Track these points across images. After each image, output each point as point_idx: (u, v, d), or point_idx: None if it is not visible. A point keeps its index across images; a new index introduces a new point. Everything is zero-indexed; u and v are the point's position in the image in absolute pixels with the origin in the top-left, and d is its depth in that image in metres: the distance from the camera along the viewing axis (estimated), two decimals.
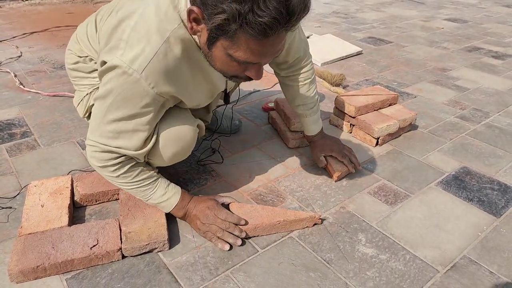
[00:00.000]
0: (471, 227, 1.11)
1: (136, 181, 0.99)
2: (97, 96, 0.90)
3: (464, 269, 0.98)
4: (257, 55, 0.76)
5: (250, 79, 0.86)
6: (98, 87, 1.09)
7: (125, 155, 0.94)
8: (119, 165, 0.95)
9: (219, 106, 1.47)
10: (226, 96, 1.21)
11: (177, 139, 0.97)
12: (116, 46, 0.83)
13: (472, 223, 1.13)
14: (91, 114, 0.97)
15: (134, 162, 0.98)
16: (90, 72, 1.12)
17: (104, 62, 0.85)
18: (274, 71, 1.27)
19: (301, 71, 1.23)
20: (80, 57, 1.11)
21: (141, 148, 0.93)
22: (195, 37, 0.84)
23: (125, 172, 0.96)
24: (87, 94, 1.13)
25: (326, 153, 1.28)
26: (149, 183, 1.00)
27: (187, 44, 0.85)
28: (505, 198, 1.23)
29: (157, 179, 1.02)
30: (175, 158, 1.02)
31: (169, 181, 1.04)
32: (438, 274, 0.96)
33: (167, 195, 1.02)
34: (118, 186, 1.01)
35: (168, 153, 0.98)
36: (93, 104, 1.10)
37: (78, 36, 1.12)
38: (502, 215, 1.16)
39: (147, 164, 1.02)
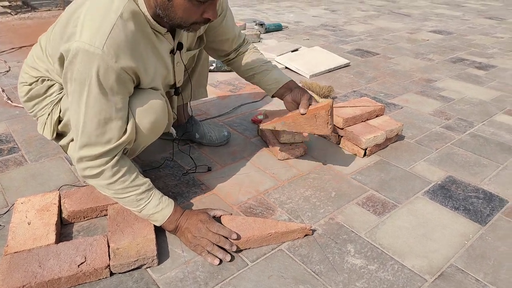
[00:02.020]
0: (458, 235, 1.13)
1: (133, 186, 0.99)
2: (71, 97, 0.92)
3: (451, 277, 0.99)
4: None
5: (206, 22, 0.96)
6: (57, 102, 1.12)
7: (116, 154, 0.96)
8: (116, 167, 0.97)
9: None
10: (176, 89, 1.23)
11: (149, 108, 1.00)
12: (72, 33, 0.88)
13: (459, 232, 1.14)
14: (71, 125, 0.98)
15: (129, 164, 1.00)
16: (45, 92, 1.13)
17: (65, 51, 0.88)
18: (226, 61, 1.36)
19: (246, 46, 1.35)
20: (31, 83, 1.13)
21: (124, 134, 0.96)
22: (144, 10, 0.92)
23: (122, 176, 0.97)
24: (48, 114, 1.14)
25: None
26: (144, 191, 1.01)
27: (138, 19, 0.92)
28: (490, 206, 1.26)
29: (152, 188, 1.03)
30: (155, 129, 1.04)
31: (162, 193, 1.05)
32: (426, 283, 0.97)
33: (161, 205, 1.02)
34: (113, 197, 1.01)
35: (146, 123, 1.00)
36: (58, 120, 1.14)
37: (26, 65, 1.15)
38: (487, 223, 1.18)
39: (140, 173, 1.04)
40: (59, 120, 1.14)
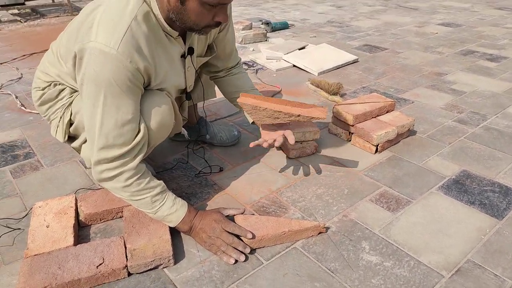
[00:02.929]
0: (474, 230, 1.12)
1: (149, 188, 1.01)
2: (86, 99, 0.93)
3: (468, 273, 0.98)
4: None
5: (218, 25, 0.98)
6: (68, 106, 1.14)
7: (133, 156, 0.98)
8: (133, 170, 0.98)
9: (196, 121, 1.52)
10: (187, 94, 1.25)
11: (155, 108, 1.01)
12: (87, 34, 0.90)
13: (475, 227, 1.13)
14: (85, 127, 0.99)
15: (143, 167, 1.01)
16: (57, 96, 1.15)
17: (80, 51, 0.90)
18: (213, 78, 1.35)
19: (239, 68, 1.35)
20: (43, 88, 1.15)
21: (137, 135, 0.98)
22: (158, 13, 0.94)
23: (138, 178, 0.99)
24: (60, 117, 1.16)
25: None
26: (159, 192, 1.02)
27: (151, 22, 0.94)
28: (506, 200, 1.24)
29: (166, 190, 1.04)
30: (161, 129, 1.05)
31: (175, 195, 1.06)
32: (443, 279, 0.96)
33: (176, 206, 1.03)
34: (128, 199, 1.02)
35: (153, 124, 1.02)
36: (69, 123, 1.16)
37: (39, 71, 1.17)
38: (504, 217, 1.17)
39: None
40: (70, 123, 1.16)
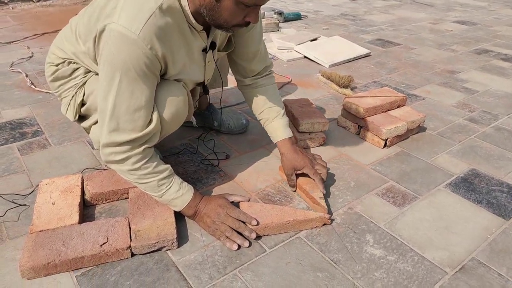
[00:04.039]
0: (480, 229, 1.11)
1: (156, 172, 1.00)
2: (102, 80, 0.92)
3: (472, 271, 0.97)
4: None
5: (247, 25, 0.97)
6: (81, 86, 1.13)
7: (142, 143, 0.97)
8: (141, 154, 0.98)
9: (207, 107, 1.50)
10: (204, 87, 1.22)
11: (171, 99, 1.01)
12: (110, 15, 0.88)
13: (481, 226, 1.12)
14: (98, 107, 0.98)
15: (152, 151, 1.01)
16: (71, 74, 1.14)
17: (100, 31, 0.89)
18: (239, 81, 1.29)
19: (267, 76, 1.27)
20: (57, 64, 1.14)
21: (148, 125, 0.97)
22: (185, 5, 0.92)
23: (145, 162, 0.99)
24: (72, 96, 1.16)
25: (298, 169, 1.18)
26: (166, 177, 1.02)
27: (176, 13, 0.92)
28: None
29: (172, 175, 1.04)
30: (175, 120, 1.05)
31: (182, 179, 1.06)
32: (446, 275, 0.96)
33: (182, 191, 1.03)
34: (134, 182, 1.02)
35: (167, 115, 1.01)
36: (81, 103, 1.14)
37: (54, 46, 1.16)
38: (511, 217, 1.15)
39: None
40: (82, 104, 1.16)
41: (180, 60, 0.99)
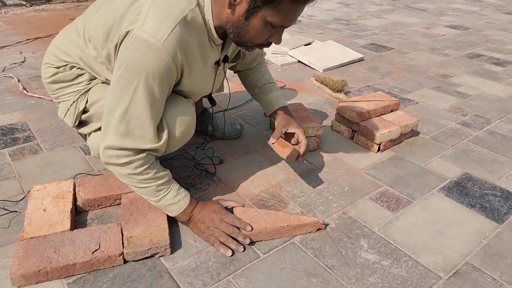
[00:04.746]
0: (474, 233, 1.11)
1: (155, 178, 0.99)
2: (116, 82, 0.90)
3: (466, 275, 0.97)
4: (291, 19, 0.89)
5: (269, 45, 0.97)
6: (84, 93, 1.11)
7: (145, 150, 0.96)
8: (143, 160, 0.96)
9: (206, 108, 1.52)
10: (211, 99, 1.27)
11: (182, 118, 1.01)
12: (134, 20, 0.88)
13: (475, 230, 1.12)
14: (106, 111, 0.95)
15: (154, 159, 1.00)
16: (73, 79, 1.12)
17: (122, 36, 0.88)
18: (237, 71, 1.36)
19: (261, 60, 1.36)
20: (59, 67, 1.12)
21: (157, 140, 0.97)
22: (209, 19, 0.93)
23: (146, 168, 0.97)
24: (73, 102, 1.14)
25: (292, 127, 1.21)
26: (165, 182, 1.01)
27: (198, 27, 0.93)
28: (507, 204, 1.23)
29: (171, 180, 1.03)
30: (183, 138, 1.06)
31: (179, 185, 1.05)
32: (440, 280, 0.96)
33: (179, 197, 1.02)
34: (133, 186, 1.00)
35: (177, 133, 1.01)
36: (83, 111, 1.13)
37: (55, 47, 1.12)
38: (504, 221, 1.16)
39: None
40: (84, 111, 1.14)
41: (195, 71, 0.99)
